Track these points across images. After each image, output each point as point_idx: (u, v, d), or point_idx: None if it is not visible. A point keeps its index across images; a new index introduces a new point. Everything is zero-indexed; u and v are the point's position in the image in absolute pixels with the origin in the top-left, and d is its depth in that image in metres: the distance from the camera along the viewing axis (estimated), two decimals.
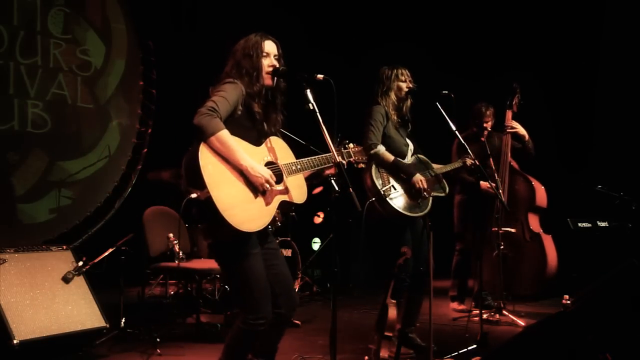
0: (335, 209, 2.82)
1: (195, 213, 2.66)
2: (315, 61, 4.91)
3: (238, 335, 2.75)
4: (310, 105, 2.75)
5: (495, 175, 4.93)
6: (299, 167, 2.84)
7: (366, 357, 3.48)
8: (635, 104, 6.31)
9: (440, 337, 4.07)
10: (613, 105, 6.57)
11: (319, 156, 2.92)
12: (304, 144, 3.73)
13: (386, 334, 3.22)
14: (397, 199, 3.70)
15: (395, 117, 3.90)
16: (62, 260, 3.94)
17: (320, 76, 2.81)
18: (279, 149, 2.86)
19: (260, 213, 2.67)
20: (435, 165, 4.05)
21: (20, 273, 3.68)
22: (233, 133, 2.63)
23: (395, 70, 3.91)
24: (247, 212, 2.60)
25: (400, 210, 3.69)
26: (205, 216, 2.57)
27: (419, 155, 3.98)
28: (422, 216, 3.80)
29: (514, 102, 5.13)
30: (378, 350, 3.24)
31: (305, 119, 2.82)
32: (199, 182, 2.50)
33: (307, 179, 2.96)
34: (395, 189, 3.70)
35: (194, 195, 2.59)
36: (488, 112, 5.23)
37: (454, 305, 5.34)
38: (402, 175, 3.80)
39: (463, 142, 4.10)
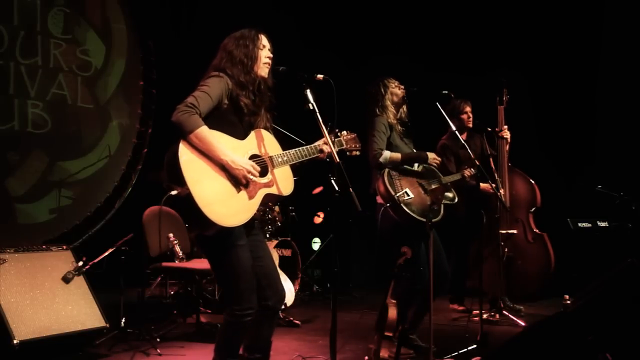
0: (335, 209, 2.82)
1: (178, 210, 2.67)
2: (313, 61, 4.91)
3: (227, 329, 2.77)
4: (310, 105, 2.76)
5: (495, 175, 4.93)
6: (285, 158, 2.84)
7: (366, 357, 3.48)
8: (636, 104, 6.31)
9: (440, 337, 4.06)
10: (614, 105, 6.56)
11: (306, 147, 2.91)
12: (304, 144, 3.73)
13: (386, 334, 3.23)
14: (411, 205, 3.70)
15: (399, 127, 3.96)
16: (62, 260, 3.94)
17: (320, 76, 2.83)
18: (265, 142, 2.84)
19: (243, 207, 2.66)
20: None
21: (20, 273, 3.68)
22: (217, 127, 2.65)
23: (381, 83, 3.97)
24: (227, 208, 2.60)
25: (415, 215, 3.68)
26: (187, 212, 2.58)
27: (425, 165, 4.01)
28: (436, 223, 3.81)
29: (504, 98, 5.14)
30: (378, 350, 3.24)
31: (305, 118, 2.83)
32: (180, 179, 2.51)
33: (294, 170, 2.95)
34: (408, 195, 3.71)
35: (174, 192, 2.61)
36: (466, 107, 5.23)
37: (454, 306, 5.34)
38: (418, 162, 3.89)
39: (463, 142, 4.13)
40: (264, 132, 2.87)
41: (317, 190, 6.55)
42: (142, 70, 7.12)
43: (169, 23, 7.22)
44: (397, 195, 3.66)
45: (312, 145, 2.94)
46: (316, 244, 7.27)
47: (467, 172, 4.19)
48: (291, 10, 7.54)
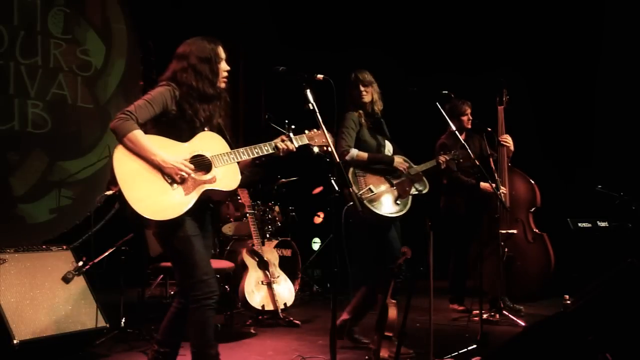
0: (335, 209, 2.82)
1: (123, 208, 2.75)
2: (312, 61, 4.91)
3: (194, 317, 2.83)
4: (310, 105, 2.76)
5: (495, 175, 4.93)
6: (232, 157, 2.92)
7: (366, 357, 3.49)
8: (636, 104, 6.31)
9: (440, 337, 4.07)
10: (613, 105, 6.57)
11: (258, 145, 2.96)
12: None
13: (386, 334, 3.23)
14: (376, 202, 3.74)
15: (364, 121, 3.93)
16: (62, 260, 3.94)
17: (320, 76, 2.84)
18: (211, 142, 2.94)
19: (177, 202, 2.77)
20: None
21: (20, 273, 3.68)
22: (166, 131, 2.82)
23: (350, 79, 3.97)
24: (159, 203, 2.73)
25: (379, 212, 3.73)
26: (125, 209, 2.70)
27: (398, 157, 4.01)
28: (402, 216, 3.83)
29: (504, 98, 5.14)
30: (378, 350, 3.24)
31: (305, 118, 2.83)
32: (114, 180, 2.71)
33: (242, 169, 3.02)
34: (372, 191, 3.74)
35: (108, 192, 2.83)
36: (466, 108, 5.22)
37: (454, 306, 5.33)
38: (383, 165, 3.87)
39: (463, 141, 4.13)
40: (210, 133, 2.95)
41: (317, 190, 6.56)
42: (142, 70, 7.12)
43: (169, 23, 7.20)
44: (360, 192, 3.69)
45: (265, 143, 2.97)
46: (316, 244, 7.27)
47: (442, 158, 4.19)
48: (293, 11, 7.55)
